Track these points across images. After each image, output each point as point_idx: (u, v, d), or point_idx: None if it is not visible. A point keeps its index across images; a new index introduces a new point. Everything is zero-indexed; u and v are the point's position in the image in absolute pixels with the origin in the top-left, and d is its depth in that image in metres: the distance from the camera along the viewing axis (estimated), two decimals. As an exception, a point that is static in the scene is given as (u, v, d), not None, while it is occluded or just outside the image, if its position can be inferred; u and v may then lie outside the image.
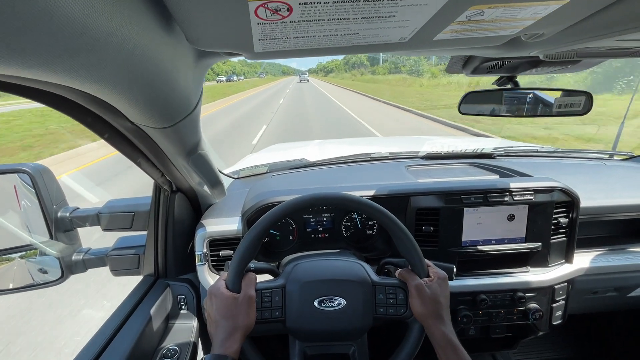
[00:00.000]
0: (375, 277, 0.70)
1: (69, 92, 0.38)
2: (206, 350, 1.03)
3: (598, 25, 0.44)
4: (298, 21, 0.34)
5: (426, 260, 0.69)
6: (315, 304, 0.66)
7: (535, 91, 0.94)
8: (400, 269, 0.71)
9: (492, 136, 7.05)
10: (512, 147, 1.63)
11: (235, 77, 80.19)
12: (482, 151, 1.45)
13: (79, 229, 0.95)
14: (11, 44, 0.22)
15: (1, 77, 0.31)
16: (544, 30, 0.46)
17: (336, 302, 0.66)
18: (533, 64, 0.72)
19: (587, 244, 1.07)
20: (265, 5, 0.31)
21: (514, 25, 0.42)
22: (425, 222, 0.96)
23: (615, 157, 1.52)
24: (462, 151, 1.49)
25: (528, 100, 0.95)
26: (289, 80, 73.02)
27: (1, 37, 0.21)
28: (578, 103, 0.83)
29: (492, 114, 1.00)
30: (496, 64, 0.76)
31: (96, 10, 0.25)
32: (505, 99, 0.97)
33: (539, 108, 0.94)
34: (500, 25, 0.41)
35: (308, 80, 55.90)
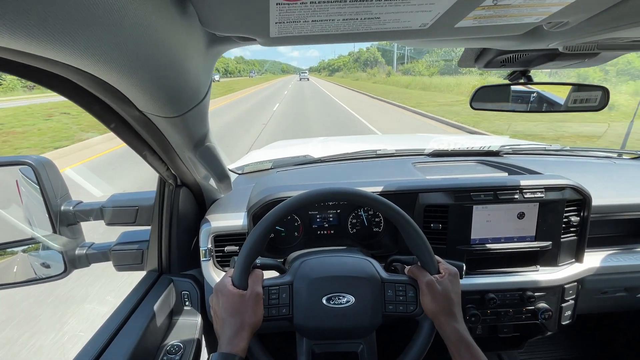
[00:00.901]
0: (384, 274, 0.69)
1: (79, 76, 0.36)
2: (210, 346, 1.02)
3: (625, 13, 0.42)
4: (319, 2, 0.32)
5: (436, 257, 0.67)
6: (324, 301, 0.65)
7: (540, 90, 0.92)
8: (409, 266, 0.70)
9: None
10: (519, 145, 1.61)
11: (216, 77, 67.07)
12: (489, 149, 1.43)
13: (83, 223, 0.94)
14: (23, 14, 0.21)
15: (12, 55, 0.29)
16: (570, 18, 0.44)
17: (345, 299, 0.65)
18: (549, 57, 0.70)
19: (597, 243, 1.05)
20: None
21: (540, 12, 0.40)
22: (434, 219, 0.94)
23: (624, 156, 1.50)
24: (469, 149, 1.47)
25: (532, 99, 0.94)
26: (287, 80, 60.55)
27: (14, 7, 0.20)
28: (594, 98, 0.81)
29: (502, 109, 0.98)
30: (510, 58, 0.74)
31: None
32: (514, 97, 0.95)
33: (545, 106, 0.92)
34: (526, 11, 0.40)
35: (308, 79, 56.64)
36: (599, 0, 0.39)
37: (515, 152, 1.46)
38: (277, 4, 0.32)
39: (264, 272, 0.69)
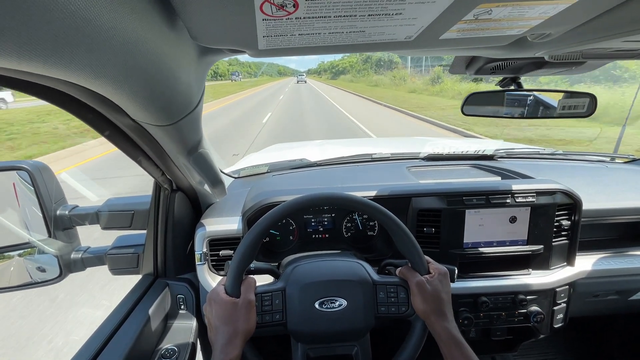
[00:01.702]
0: (375, 276, 0.70)
1: (70, 88, 0.37)
2: (205, 351, 1.02)
3: (605, 26, 0.43)
4: (304, 17, 0.33)
5: (426, 257, 0.69)
6: (316, 305, 0.66)
7: (536, 93, 0.93)
8: (400, 267, 0.71)
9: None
10: (513, 149, 1.62)
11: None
12: (483, 153, 1.45)
13: (78, 228, 0.94)
14: (14, 36, 0.22)
15: (3, 71, 0.30)
16: (551, 30, 0.45)
17: (337, 303, 0.66)
18: (537, 65, 0.72)
19: (588, 246, 1.06)
20: (271, 1, 0.30)
21: (521, 25, 0.42)
22: (427, 223, 0.95)
23: (617, 160, 1.52)
24: (463, 152, 1.48)
25: (529, 102, 0.95)
26: (282, 84, 48.74)
27: (6, 30, 0.21)
28: (582, 105, 0.83)
29: (495, 115, 0.99)
30: (500, 65, 0.76)
31: (98, 2, 0.25)
32: (508, 101, 0.96)
33: (540, 110, 0.94)
34: (507, 24, 0.41)
35: (305, 81, 56.94)
36: (577, 13, 0.41)
37: (510, 156, 1.47)
38: (263, 20, 0.33)
39: (259, 276, 0.69)
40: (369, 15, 0.34)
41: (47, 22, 0.22)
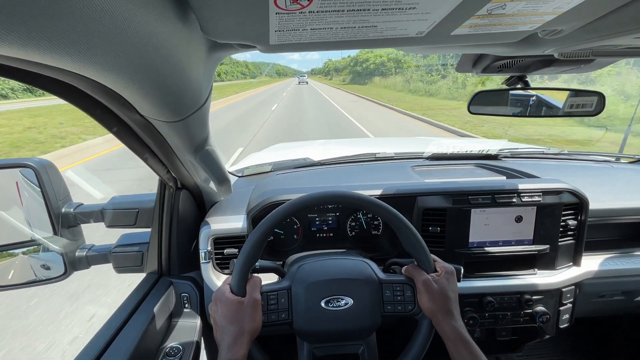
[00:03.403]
0: (381, 275, 0.69)
1: (80, 81, 0.37)
2: (209, 349, 1.02)
3: (618, 21, 0.43)
4: (317, 11, 0.33)
5: (433, 255, 0.68)
6: (322, 304, 0.65)
7: (541, 93, 0.93)
8: (406, 265, 0.71)
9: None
10: (517, 148, 1.62)
11: None
12: (488, 152, 1.44)
13: (83, 225, 0.94)
14: (31, 26, 0.22)
15: (14, 62, 0.30)
16: (563, 26, 0.45)
17: (343, 302, 0.66)
18: (545, 63, 0.71)
19: (594, 246, 1.06)
20: None
21: (534, 20, 0.41)
22: (432, 222, 0.95)
23: (622, 160, 1.51)
24: (468, 152, 1.48)
25: (533, 101, 0.94)
26: (276, 90, 34.61)
27: (23, 20, 0.21)
28: (590, 103, 0.82)
29: (501, 114, 0.99)
30: (507, 63, 0.75)
31: None
32: (517, 99, 0.96)
33: (548, 109, 0.93)
34: (520, 20, 0.40)
35: (307, 82, 55.55)
36: (592, 9, 0.40)
37: (514, 156, 1.46)
38: (276, 14, 0.33)
39: (264, 274, 0.69)
40: (382, 9, 0.34)
41: (66, 10, 0.22)
